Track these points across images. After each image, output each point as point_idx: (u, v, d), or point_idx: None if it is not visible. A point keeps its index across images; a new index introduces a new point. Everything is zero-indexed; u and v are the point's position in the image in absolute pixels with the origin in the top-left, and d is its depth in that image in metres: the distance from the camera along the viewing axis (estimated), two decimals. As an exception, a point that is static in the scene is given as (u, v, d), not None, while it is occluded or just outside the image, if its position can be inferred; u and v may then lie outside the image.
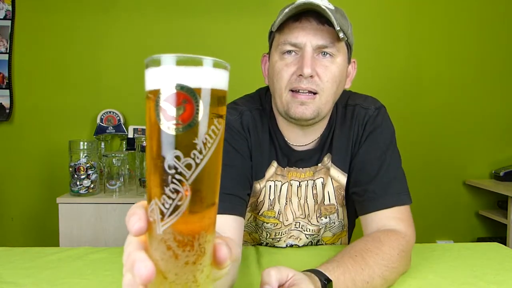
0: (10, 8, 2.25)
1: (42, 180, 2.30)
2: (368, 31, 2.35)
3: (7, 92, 2.26)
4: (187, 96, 0.31)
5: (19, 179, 2.30)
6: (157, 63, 0.32)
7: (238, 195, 0.80)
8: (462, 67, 2.42)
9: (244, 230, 1.03)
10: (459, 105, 2.43)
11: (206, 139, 0.32)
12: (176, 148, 0.31)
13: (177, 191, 0.32)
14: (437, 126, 2.43)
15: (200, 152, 0.32)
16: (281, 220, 0.95)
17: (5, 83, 2.26)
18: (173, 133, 0.31)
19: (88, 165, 1.97)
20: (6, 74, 2.26)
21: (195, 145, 0.32)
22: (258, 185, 0.91)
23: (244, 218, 0.84)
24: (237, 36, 2.31)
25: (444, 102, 2.42)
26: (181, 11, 2.30)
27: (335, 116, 0.91)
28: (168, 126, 0.31)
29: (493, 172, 2.41)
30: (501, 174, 2.31)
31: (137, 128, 2.21)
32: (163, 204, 0.32)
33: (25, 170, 2.30)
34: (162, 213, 0.32)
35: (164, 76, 0.32)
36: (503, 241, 2.16)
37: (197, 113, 0.31)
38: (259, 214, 0.95)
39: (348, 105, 0.92)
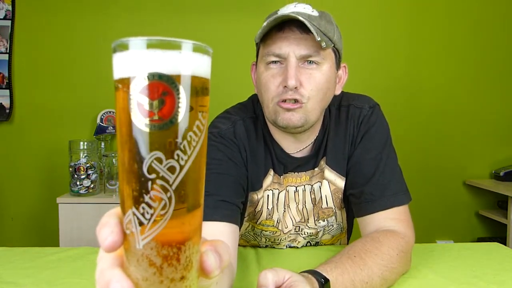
0: (10, 8, 2.25)
1: (42, 180, 2.30)
2: (369, 33, 2.35)
3: (7, 92, 2.26)
4: (166, 87, 0.26)
5: (19, 179, 2.30)
6: (126, 46, 0.27)
7: (234, 203, 0.79)
8: (462, 67, 2.42)
9: (243, 239, 1.02)
10: (459, 105, 2.43)
11: (190, 136, 0.28)
12: (156, 149, 0.27)
13: (159, 199, 0.27)
14: (437, 126, 2.43)
15: (185, 153, 0.28)
16: (280, 228, 0.94)
17: (5, 83, 2.26)
18: (152, 131, 0.27)
19: (88, 165, 1.97)
20: (6, 74, 2.26)
21: (179, 145, 0.27)
22: (255, 196, 0.89)
23: (240, 227, 0.83)
24: (238, 36, 2.31)
25: (444, 102, 2.42)
26: (181, 11, 2.30)
27: (329, 118, 0.90)
28: (146, 123, 0.27)
29: (493, 172, 2.41)
30: (501, 174, 2.31)
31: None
32: (142, 214, 0.28)
33: (25, 170, 2.30)
34: (141, 225, 0.28)
35: (137, 63, 0.27)
36: (503, 241, 2.16)
37: (179, 107, 0.27)
38: (257, 223, 0.94)
39: (341, 106, 0.91)
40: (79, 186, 1.97)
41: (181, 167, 0.28)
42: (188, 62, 0.27)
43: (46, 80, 2.28)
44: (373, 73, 2.35)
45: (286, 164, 0.90)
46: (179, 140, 0.27)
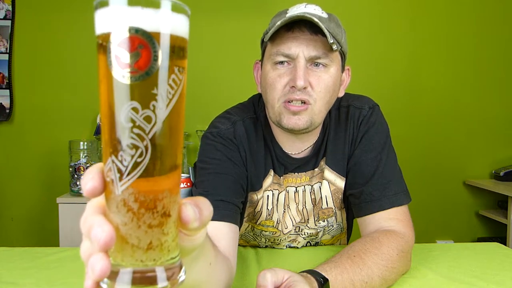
0: (10, 8, 2.25)
1: (42, 180, 2.30)
2: (369, 33, 2.35)
3: (7, 92, 2.26)
4: (143, 41, 0.28)
5: (19, 179, 2.30)
6: (106, 3, 0.28)
7: (233, 203, 0.79)
8: (462, 67, 2.42)
9: (242, 239, 1.02)
10: (459, 105, 2.43)
11: (166, 89, 0.29)
12: (133, 99, 0.28)
13: (136, 147, 0.29)
14: (437, 126, 2.43)
15: (161, 104, 0.29)
16: (279, 229, 0.94)
17: (5, 83, 2.26)
18: (129, 82, 0.28)
19: (88, 165, 1.97)
20: (6, 74, 2.26)
21: (155, 96, 0.29)
22: (255, 196, 0.89)
23: (240, 227, 0.83)
24: (237, 37, 2.31)
25: (444, 102, 2.42)
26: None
27: (329, 119, 0.90)
28: (123, 74, 0.28)
29: (493, 172, 2.41)
30: (501, 174, 2.31)
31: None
32: (120, 162, 0.29)
33: (25, 170, 2.30)
34: (120, 172, 0.29)
35: (116, 18, 0.28)
36: (503, 241, 2.16)
37: (156, 60, 0.28)
38: (257, 223, 0.94)
39: (341, 107, 0.91)
40: (79, 186, 1.97)
41: (157, 118, 0.29)
42: (165, 19, 0.29)
43: (46, 80, 2.28)
44: (373, 73, 2.35)
45: (286, 165, 0.90)
46: (155, 91, 0.29)
